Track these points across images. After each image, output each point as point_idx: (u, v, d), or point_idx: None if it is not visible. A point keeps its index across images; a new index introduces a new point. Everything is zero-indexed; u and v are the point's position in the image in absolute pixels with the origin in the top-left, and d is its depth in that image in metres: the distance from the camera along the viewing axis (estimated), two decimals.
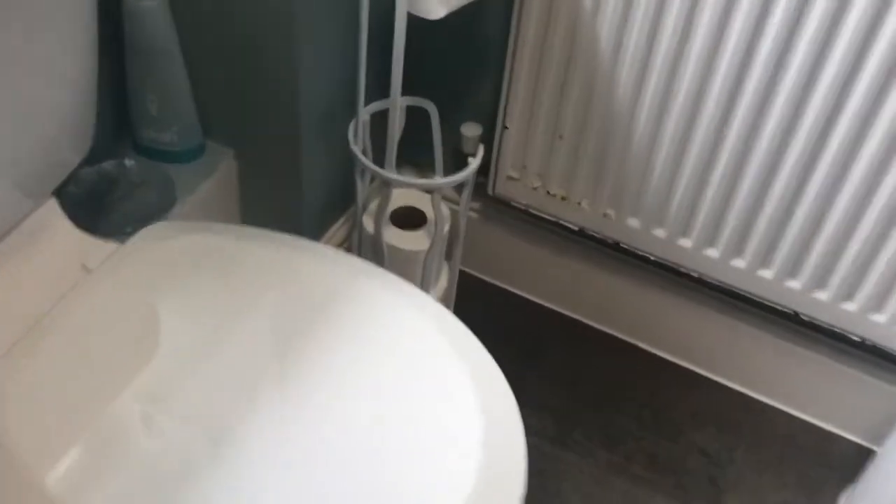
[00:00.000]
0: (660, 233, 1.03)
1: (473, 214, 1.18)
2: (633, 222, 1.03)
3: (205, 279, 0.73)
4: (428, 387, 0.67)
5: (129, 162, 0.92)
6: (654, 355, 1.19)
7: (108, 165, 0.92)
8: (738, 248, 1.00)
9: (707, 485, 1.07)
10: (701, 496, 1.06)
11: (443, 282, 1.10)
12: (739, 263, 1.01)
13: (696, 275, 1.05)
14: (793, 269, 0.98)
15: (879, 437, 1.08)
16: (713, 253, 1.01)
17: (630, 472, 1.08)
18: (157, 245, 0.75)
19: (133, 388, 0.64)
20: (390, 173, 0.94)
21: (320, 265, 0.74)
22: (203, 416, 0.63)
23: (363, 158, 0.95)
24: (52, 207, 0.76)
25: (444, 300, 1.11)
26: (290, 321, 0.69)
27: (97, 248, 0.75)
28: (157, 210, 0.91)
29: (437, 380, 0.67)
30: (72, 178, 0.88)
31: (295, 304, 0.71)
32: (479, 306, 1.19)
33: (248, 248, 0.75)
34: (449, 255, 1.09)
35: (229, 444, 0.61)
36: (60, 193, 0.85)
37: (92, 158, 0.87)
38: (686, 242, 1.02)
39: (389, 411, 0.65)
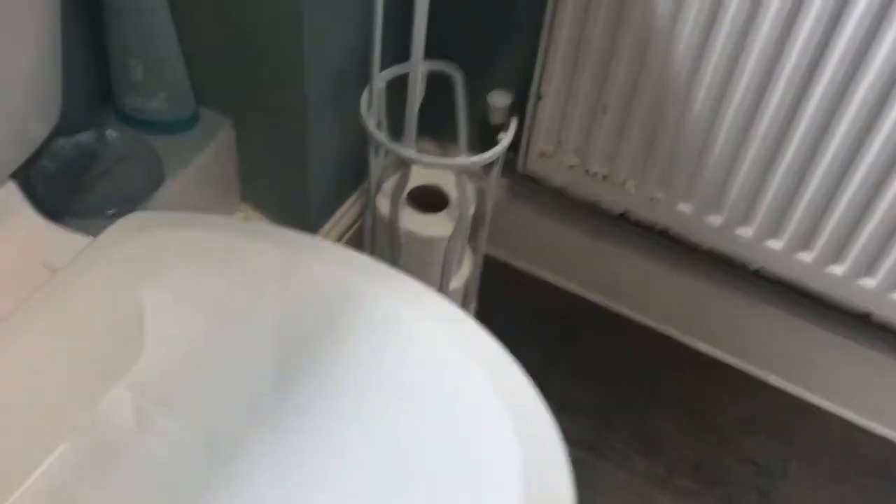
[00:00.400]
0: (715, 220, 0.93)
1: (500, 192, 1.08)
2: (685, 207, 0.93)
3: (193, 279, 0.64)
4: (449, 409, 0.59)
5: (110, 133, 0.84)
6: (700, 352, 1.10)
7: (86, 137, 0.84)
8: (806, 240, 0.90)
9: (758, 498, 0.99)
10: None
11: (465, 268, 1.01)
12: (806, 257, 0.91)
13: (754, 267, 0.95)
14: (869, 265, 0.88)
15: None
16: (776, 245, 0.91)
17: (672, 483, 1.00)
18: (136, 240, 0.65)
19: (120, 387, 0.58)
20: (409, 151, 0.83)
21: (327, 266, 0.65)
22: (198, 418, 0.57)
23: (377, 134, 0.84)
24: (12, 192, 0.66)
25: (466, 288, 1.01)
26: (293, 328, 0.62)
27: (65, 242, 0.66)
28: (142, 189, 0.83)
29: (460, 402, 0.59)
30: (43, 151, 0.79)
31: (298, 309, 0.63)
32: (505, 294, 1.12)
33: (242, 244, 0.66)
34: (473, 238, 0.99)
35: (225, 444, 0.56)
36: (28, 172, 0.77)
37: (68, 129, 0.80)
38: (746, 232, 0.92)
39: (405, 434, 0.57)
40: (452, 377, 0.60)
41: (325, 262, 0.66)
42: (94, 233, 0.66)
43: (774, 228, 0.90)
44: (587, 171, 0.96)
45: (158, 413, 0.57)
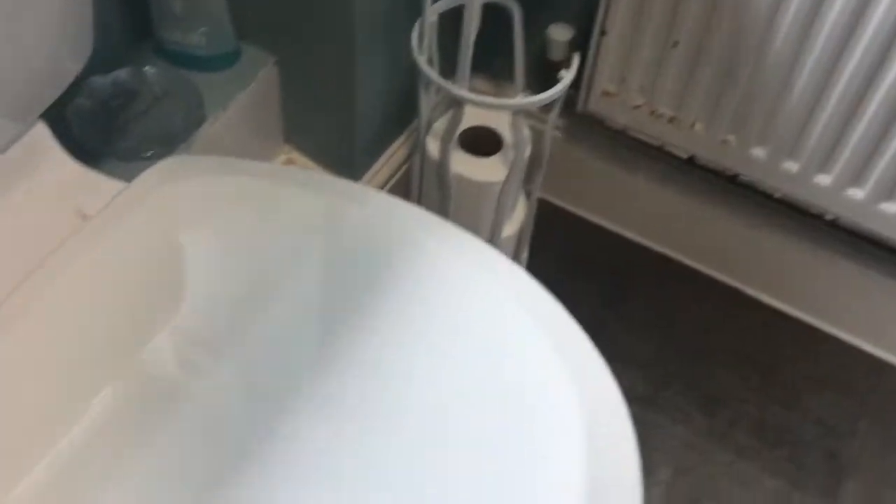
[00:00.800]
0: (791, 166, 0.87)
1: (557, 133, 1.04)
2: (759, 152, 0.88)
3: (234, 226, 0.62)
4: (500, 365, 0.56)
5: (149, 69, 0.81)
6: (766, 304, 1.05)
7: (123, 74, 0.80)
8: (891, 189, 0.84)
9: (824, 460, 0.95)
10: (817, 473, 0.94)
11: (519, 213, 0.96)
12: (890, 208, 0.85)
13: (830, 217, 0.89)
14: None
15: None
16: (857, 193, 0.86)
17: (733, 440, 0.96)
18: (173, 186, 0.62)
19: (162, 334, 0.57)
20: (462, 89, 0.79)
21: (372, 215, 0.62)
22: (242, 365, 0.56)
23: (428, 70, 0.79)
24: (42, 134, 0.63)
25: (520, 235, 0.97)
26: (336, 278, 0.60)
27: (98, 187, 0.63)
28: (182, 128, 0.80)
29: (514, 358, 0.56)
30: (79, 89, 0.76)
31: (342, 259, 0.61)
32: (559, 239, 1.09)
33: (285, 192, 0.63)
34: (527, 183, 0.94)
35: (269, 391, 0.55)
36: (64, 111, 0.74)
37: (104, 66, 0.77)
38: (824, 179, 0.86)
39: (453, 388, 0.55)
40: (504, 332, 0.57)
41: (370, 210, 0.63)
42: (131, 175, 0.63)
43: (856, 176, 0.84)
44: (653, 112, 0.91)
45: (201, 360, 0.55)
